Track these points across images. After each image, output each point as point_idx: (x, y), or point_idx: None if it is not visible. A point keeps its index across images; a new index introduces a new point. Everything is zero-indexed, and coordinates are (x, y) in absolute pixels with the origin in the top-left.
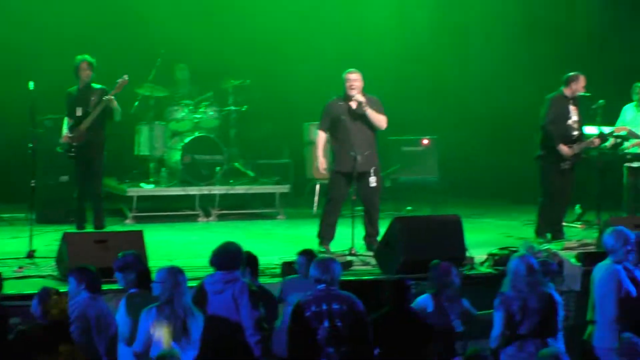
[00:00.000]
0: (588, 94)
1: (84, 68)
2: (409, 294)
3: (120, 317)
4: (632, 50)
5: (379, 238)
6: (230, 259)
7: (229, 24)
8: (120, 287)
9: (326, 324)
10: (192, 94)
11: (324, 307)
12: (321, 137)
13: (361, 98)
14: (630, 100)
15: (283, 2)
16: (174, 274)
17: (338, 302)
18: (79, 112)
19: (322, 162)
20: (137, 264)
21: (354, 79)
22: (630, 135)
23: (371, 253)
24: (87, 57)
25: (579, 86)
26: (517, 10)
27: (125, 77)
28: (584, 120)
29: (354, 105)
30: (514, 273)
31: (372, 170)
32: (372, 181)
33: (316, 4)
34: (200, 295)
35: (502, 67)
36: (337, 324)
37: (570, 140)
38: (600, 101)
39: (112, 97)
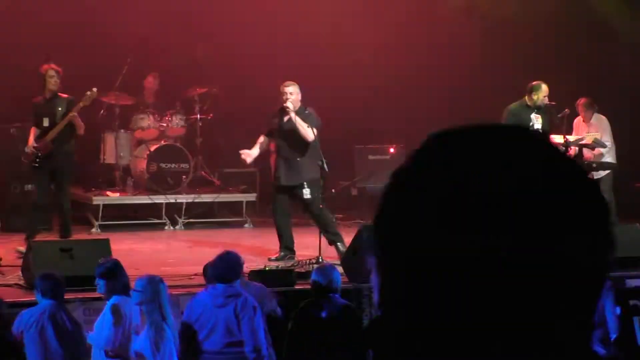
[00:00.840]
0: (553, 103)
1: (52, 75)
2: None
3: (106, 325)
4: (594, 60)
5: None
6: (229, 269)
7: (195, 32)
8: (100, 293)
9: (329, 329)
10: (157, 102)
11: (327, 313)
12: (260, 138)
13: (290, 106)
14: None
15: (249, 11)
16: (155, 283)
17: (341, 310)
18: (45, 122)
19: (247, 153)
20: (121, 271)
21: (290, 92)
22: (596, 143)
23: (338, 261)
24: (52, 65)
25: (540, 95)
26: (484, 19)
27: (94, 89)
28: (550, 129)
29: (285, 118)
30: None
31: (305, 183)
32: (305, 193)
33: (282, 13)
34: (198, 308)
35: (468, 75)
36: (339, 331)
37: None
38: (566, 110)
39: (76, 114)
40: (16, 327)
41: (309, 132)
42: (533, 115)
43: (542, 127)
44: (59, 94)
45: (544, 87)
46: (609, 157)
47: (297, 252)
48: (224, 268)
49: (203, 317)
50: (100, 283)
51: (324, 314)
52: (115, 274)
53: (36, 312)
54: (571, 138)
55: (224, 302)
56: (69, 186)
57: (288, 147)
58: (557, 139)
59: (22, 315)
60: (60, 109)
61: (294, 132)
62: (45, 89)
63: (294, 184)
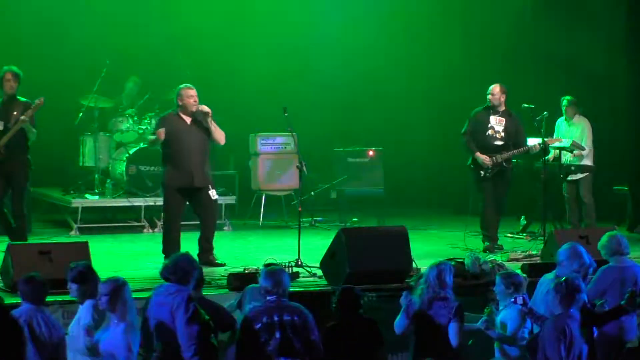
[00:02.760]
0: (532, 106)
1: (8, 79)
2: (358, 301)
3: (83, 327)
4: (572, 63)
5: (215, 252)
6: (174, 271)
7: (174, 35)
8: (73, 298)
9: (278, 335)
10: (135, 105)
11: (276, 318)
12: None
13: (207, 109)
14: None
15: (229, 15)
16: (118, 286)
17: (289, 313)
18: (0, 126)
19: (160, 131)
20: (93, 274)
21: (195, 94)
22: (574, 146)
23: (317, 264)
24: (13, 67)
25: (488, 96)
26: (462, 22)
27: (41, 98)
28: (528, 132)
29: (193, 119)
30: (426, 278)
31: (210, 185)
32: (213, 194)
33: (261, 16)
34: (147, 307)
35: (446, 79)
36: (289, 335)
37: (490, 150)
38: (544, 113)
39: (26, 118)
40: None
41: (222, 135)
42: (493, 118)
43: (504, 129)
44: (17, 97)
45: (491, 88)
46: (588, 160)
47: (277, 255)
48: (171, 270)
49: (150, 313)
50: (72, 287)
51: (276, 319)
52: (87, 278)
53: (19, 316)
54: (552, 141)
55: (164, 300)
56: (25, 193)
57: (195, 150)
58: (535, 141)
59: None
60: (15, 112)
61: (200, 135)
62: (2, 91)
63: (201, 186)
